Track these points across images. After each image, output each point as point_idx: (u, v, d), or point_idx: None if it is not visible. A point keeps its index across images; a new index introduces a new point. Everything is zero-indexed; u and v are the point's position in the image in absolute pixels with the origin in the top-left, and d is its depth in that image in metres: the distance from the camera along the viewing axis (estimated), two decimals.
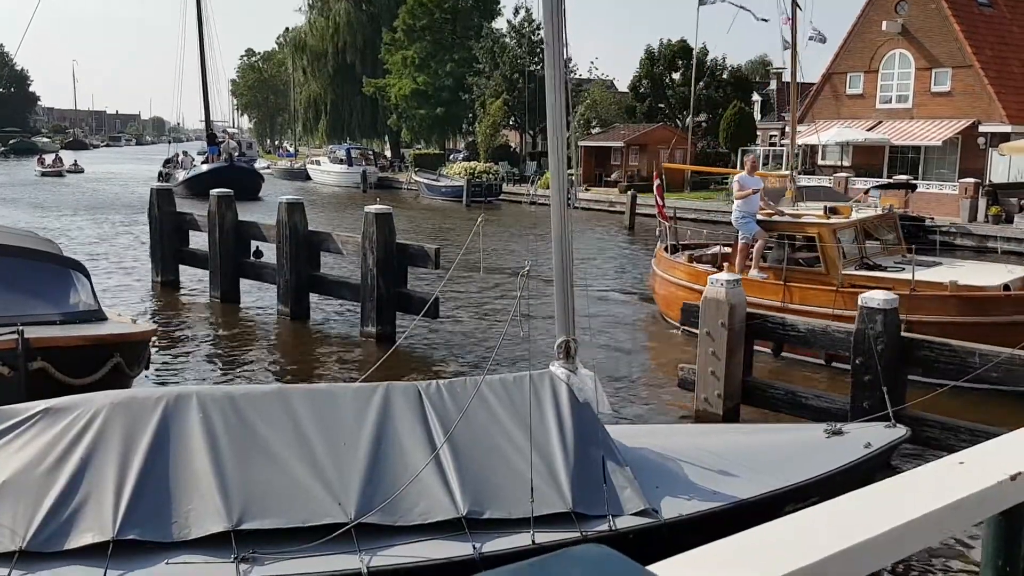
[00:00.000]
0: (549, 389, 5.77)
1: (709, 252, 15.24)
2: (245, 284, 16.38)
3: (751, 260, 13.13)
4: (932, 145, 32.87)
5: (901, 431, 6.37)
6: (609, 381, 11.54)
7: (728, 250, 14.82)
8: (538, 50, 62.53)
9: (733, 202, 13.59)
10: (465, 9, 62.77)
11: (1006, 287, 11.68)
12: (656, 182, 16.45)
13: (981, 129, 31.88)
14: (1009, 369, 8.04)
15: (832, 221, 12.78)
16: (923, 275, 11.79)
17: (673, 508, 5.20)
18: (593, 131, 52.35)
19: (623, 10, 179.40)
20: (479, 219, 7.09)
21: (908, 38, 34.31)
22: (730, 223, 14.35)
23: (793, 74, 16.45)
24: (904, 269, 12.28)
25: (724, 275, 9.80)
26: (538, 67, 65.50)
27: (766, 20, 43.18)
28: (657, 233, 16.10)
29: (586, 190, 45.96)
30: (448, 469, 5.10)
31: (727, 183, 40.91)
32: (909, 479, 1.39)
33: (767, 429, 7.15)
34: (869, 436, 6.17)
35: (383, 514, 4.73)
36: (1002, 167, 30.87)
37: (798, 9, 16.01)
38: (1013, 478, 1.33)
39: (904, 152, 34.59)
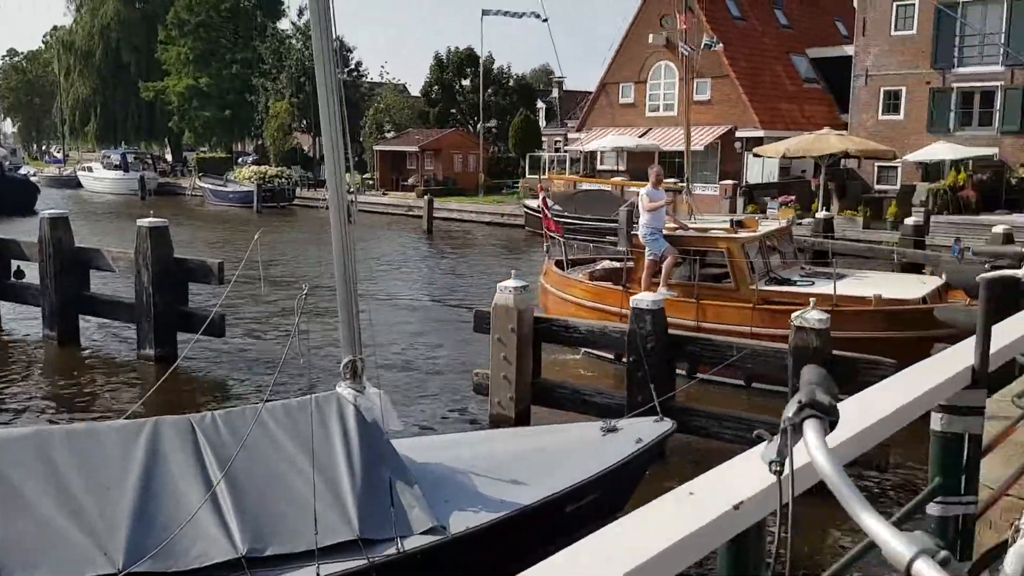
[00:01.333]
0: (335, 412, 5.70)
1: (602, 268, 14.66)
2: (6, 307, 14.89)
3: (657, 277, 12.49)
4: (695, 150, 35.70)
5: (668, 424, 6.90)
6: (411, 392, 11.60)
7: (617, 265, 14.40)
8: None
9: (641, 219, 12.69)
10: (246, 9, 60.36)
11: (924, 300, 11.40)
12: (541, 195, 15.80)
13: (738, 134, 35.05)
14: (763, 359, 8.96)
15: (741, 235, 12.40)
16: (841, 289, 11.32)
17: (461, 522, 5.31)
18: (388, 135, 52.22)
19: (412, 16, 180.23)
20: (256, 235, 6.86)
21: (672, 50, 37.04)
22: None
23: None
24: (813, 283, 12.17)
25: (511, 282, 10.04)
26: None
27: (546, 20, 44.70)
28: (545, 248, 15.27)
29: (384, 194, 45.80)
30: (226, 506, 4.90)
31: (517, 187, 42.33)
32: (645, 514, 1.41)
33: (550, 431, 7.49)
34: (640, 431, 6.64)
35: (155, 561, 4.48)
36: (756, 168, 34.15)
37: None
38: (736, 507, 1.38)
39: (672, 157, 37.34)
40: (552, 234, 14.86)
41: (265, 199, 43.32)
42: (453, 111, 54.01)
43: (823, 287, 11.57)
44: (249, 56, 57.49)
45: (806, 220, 25.24)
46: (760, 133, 33.83)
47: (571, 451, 6.37)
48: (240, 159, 59.29)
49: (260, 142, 60.54)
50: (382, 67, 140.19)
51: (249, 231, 31.73)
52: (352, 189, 6.25)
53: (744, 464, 1.57)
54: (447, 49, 53.67)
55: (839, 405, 2.05)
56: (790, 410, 1.13)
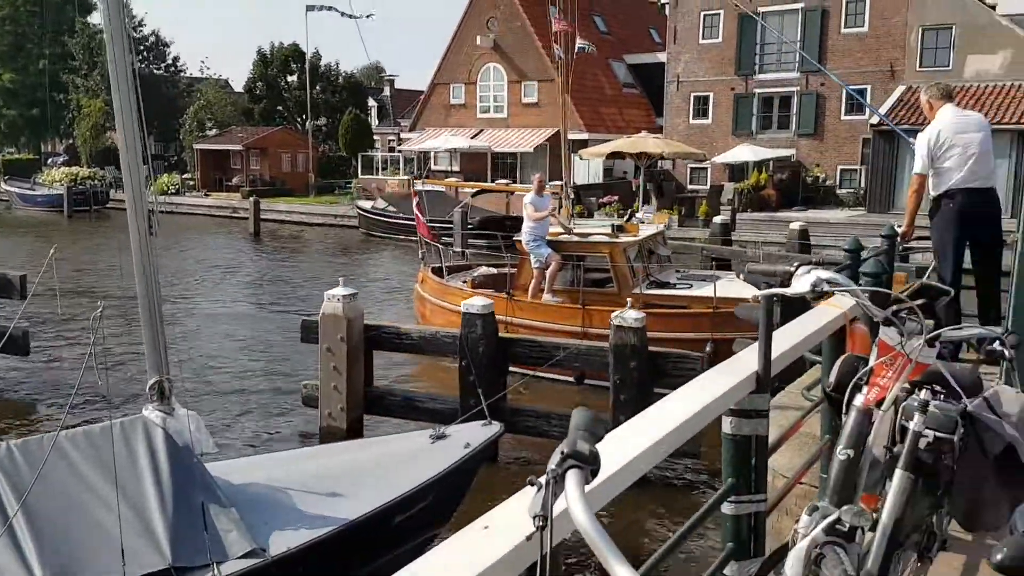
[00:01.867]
0: (142, 436, 5.40)
1: (480, 274, 14.39)
2: None
3: (544, 284, 12.38)
4: (526, 151, 36.53)
5: (496, 427, 7.01)
6: (235, 409, 11.10)
7: (495, 271, 14.23)
8: (141, 48, 57.61)
9: (524, 226, 12.61)
10: (54, 2, 55.80)
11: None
12: (415, 200, 15.29)
13: None
14: (586, 357, 9.30)
15: (622, 240, 12.42)
16: (720, 291, 11.34)
17: (282, 543, 5.17)
18: (209, 133, 49.82)
19: (231, 9, 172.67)
20: (51, 251, 6.33)
21: (500, 53, 37.68)
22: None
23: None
24: (691, 286, 12.34)
25: (339, 289, 9.82)
26: (142, 66, 60.27)
27: (356, 16, 44.09)
28: (420, 256, 14.90)
29: (205, 195, 43.67)
30: (24, 541, 4.57)
31: (349, 188, 41.59)
32: (444, 550, 1.42)
33: (378, 442, 7.42)
34: (468, 436, 6.70)
35: None
36: (582, 169, 35.35)
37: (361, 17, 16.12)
38: (529, 538, 1.39)
39: (504, 158, 37.98)
40: (427, 240, 14.61)
41: (76, 203, 40.18)
42: (280, 108, 52.34)
43: (702, 289, 11.95)
44: (59, 52, 53.24)
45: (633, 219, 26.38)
46: (585, 136, 35.04)
47: (399, 461, 6.33)
48: (49, 160, 54.73)
49: (71, 142, 56.15)
50: (202, 62, 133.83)
51: (58, 238, 29.33)
52: (153, 196, 5.87)
53: (532, 492, 1.57)
54: (271, 44, 51.93)
55: (648, 410, 2.15)
56: (553, 461, 1.16)
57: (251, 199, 35.09)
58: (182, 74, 57.07)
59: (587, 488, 1.15)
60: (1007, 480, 2.36)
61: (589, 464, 1.16)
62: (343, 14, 35.07)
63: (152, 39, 55.88)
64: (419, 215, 14.79)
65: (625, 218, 15.24)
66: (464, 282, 13.91)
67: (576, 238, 12.72)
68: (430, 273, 14.32)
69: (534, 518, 1.12)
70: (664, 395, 2.50)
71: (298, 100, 50.41)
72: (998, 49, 27.78)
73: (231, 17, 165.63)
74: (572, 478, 1.13)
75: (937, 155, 5.56)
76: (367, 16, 54.43)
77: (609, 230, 12.82)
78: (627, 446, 1.89)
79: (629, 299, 10.96)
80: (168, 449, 5.34)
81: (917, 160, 5.69)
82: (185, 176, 47.37)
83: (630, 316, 8.67)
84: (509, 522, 1.48)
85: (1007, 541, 1.49)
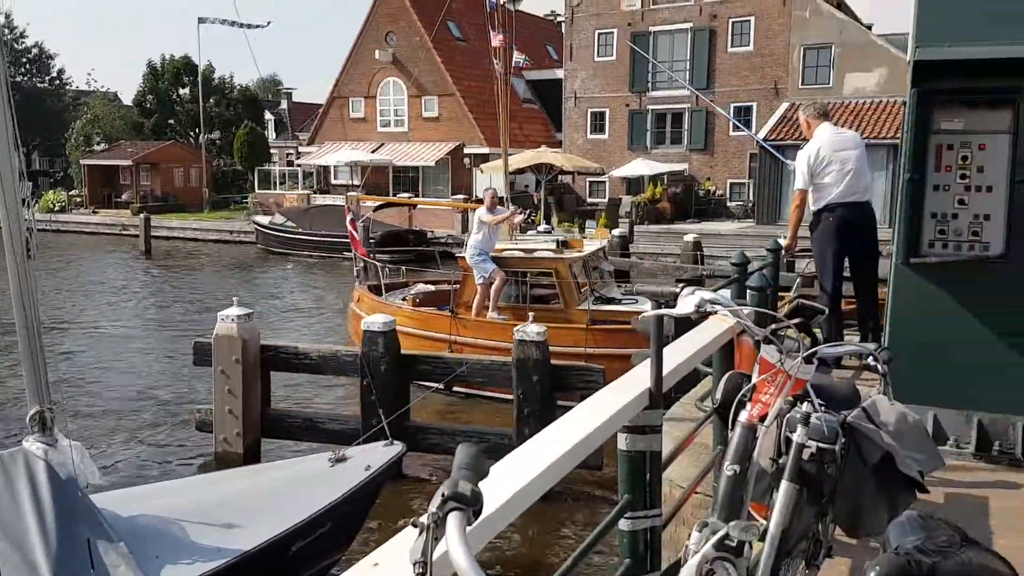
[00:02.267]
0: (23, 470, 5.09)
1: (419, 292, 13.97)
2: None
3: (488, 301, 12.09)
4: (427, 165, 36.47)
5: (398, 448, 6.90)
6: (124, 437, 10.60)
7: (433, 288, 13.81)
8: (23, 60, 54.68)
9: (469, 239, 12.36)
10: None
11: None
12: (348, 216, 14.54)
13: (466, 151, 36.28)
14: (489, 372, 9.31)
15: (568, 255, 12.23)
16: (667, 307, 11.47)
17: None
18: (97, 148, 47.70)
19: (118, 19, 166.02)
20: None
21: (399, 67, 37.54)
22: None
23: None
24: (636, 301, 12.31)
25: (233, 310, 9.54)
26: (25, 79, 57.14)
27: (258, 26, 43.12)
28: (355, 274, 14.26)
29: (93, 212, 41.78)
30: None
31: (246, 202, 40.53)
32: None
33: (274, 467, 7.20)
34: (370, 458, 6.57)
35: None
36: (484, 183, 35.52)
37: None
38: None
39: (405, 171, 37.80)
40: (362, 258, 14.04)
41: None
42: (171, 122, 50.63)
43: (647, 305, 11.89)
44: None
45: (530, 232, 26.63)
46: (486, 150, 35.25)
47: (297, 487, 6.16)
48: None
49: None
50: (89, 74, 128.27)
51: None
52: (31, 215, 5.55)
53: (415, 535, 1.59)
54: (162, 57, 50.22)
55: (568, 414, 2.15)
56: (434, 503, 1.14)
57: (141, 216, 33.73)
58: (68, 87, 54.48)
59: (470, 528, 1.14)
60: (886, 487, 2.48)
61: (470, 505, 1.14)
62: (236, 24, 34.14)
63: (35, 51, 53.18)
64: (353, 232, 14.25)
65: (530, 227, 15.16)
66: (403, 299, 13.55)
67: (520, 253, 12.38)
68: (367, 291, 13.79)
69: (414, 564, 1.10)
70: (567, 407, 2.51)
71: (190, 114, 48.90)
72: (874, 67, 29.46)
73: (120, 29, 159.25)
74: (453, 521, 1.11)
75: (816, 171, 5.83)
76: (263, 25, 53.27)
77: (554, 245, 12.53)
78: (517, 475, 1.88)
79: (585, 315, 10.99)
80: (51, 483, 5.05)
81: (798, 177, 5.95)
82: (72, 193, 45.17)
83: (532, 330, 8.73)
84: (398, 560, 1.45)
85: (881, 559, 1.55)
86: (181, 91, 50.28)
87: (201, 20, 42.17)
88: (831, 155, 5.80)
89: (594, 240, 14.19)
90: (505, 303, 12.15)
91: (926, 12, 4.31)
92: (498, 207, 12.55)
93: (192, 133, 49.86)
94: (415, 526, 1.15)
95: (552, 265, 12.09)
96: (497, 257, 12.17)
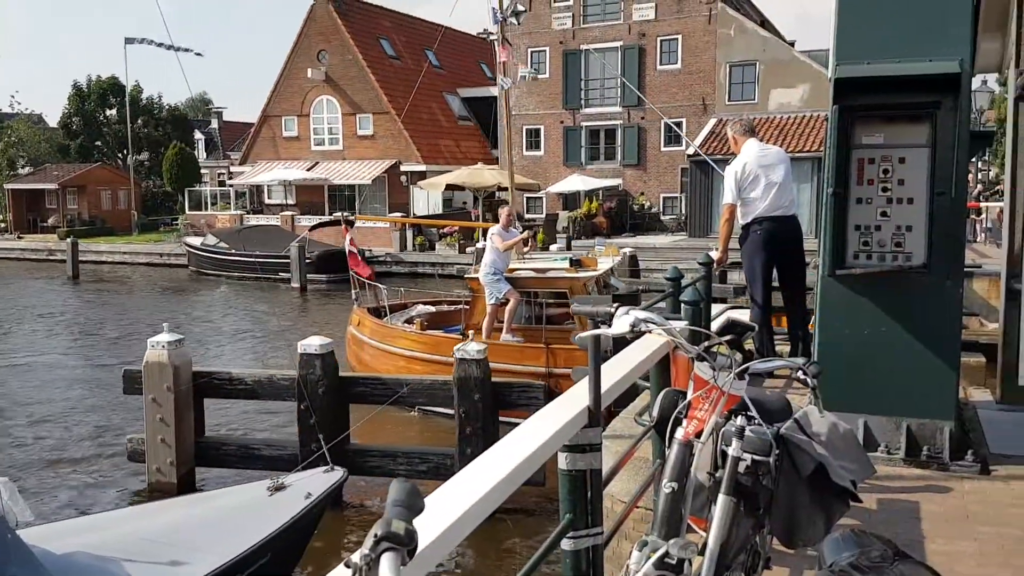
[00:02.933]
0: None
1: (420, 313, 13.48)
2: None
3: (500, 323, 11.60)
4: (363, 183, 36.20)
5: (339, 473, 6.78)
6: (53, 471, 10.19)
7: (434, 309, 13.38)
8: None
9: (484, 259, 11.86)
10: None
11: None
12: (347, 236, 13.87)
13: (403, 168, 36.14)
14: (430, 392, 9.23)
15: (582, 275, 11.81)
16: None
17: None
18: (22, 172, 46.12)
19: (44, 37, 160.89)
20: None
21: (332, 85, 37.25)
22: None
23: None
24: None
25: (163, 336, 9.28)
26: None
27: (192, 51, 42.79)
28: (354, 296, 13.66)
29: (18, 238, 40.35)
30: None
31: (177, 224, 39.61)
32: None
33: (210, 497, 7.00)
34: (310, 485, 6.44)
35: None
36: (422, 201, 35.44)
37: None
38: None
39: (341, 190, 37.44)
40: (362, 279, 13.45)
41: None
42: (99, 144, 49.30)
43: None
44: None
45: (469, 249, 26.64)
46: (423, 167, 35.15)
47: (235, 517, 6.00)
48: None
49: None
50: (12, 96, 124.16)
51: None
52: None
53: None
54: (88, 77, 48.89)
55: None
56: (367, 544, 1.12)
57: (68, 240, 32.66)
58: None
59: (405, 569, 1.11)
60: (820, 497, 2.52)
61: (405, 545, 1.12)
62: (167, 46, 33.49)
63: None
64: (353, 251, 13.65)
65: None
66: (407, 322, 13.10)
67: (533, 273, 11.89)
68: (367, 314, 13.19)
69: None
70: (512, 424, 2.50)
71: (118, 135, 47.70)
72: (798, 83, 30.39)
73: (44, 49, 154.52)
74: (386, 562, 1.08)
75: (744, 186, 5.98)
76: (200, 54, 52.49)
77: (567, 264, 12.11)
78: (455, 504, 1.86)
79: None
80: None
81: (726, 192, 6.09)
82: None
83: (472, 348, 8.70)
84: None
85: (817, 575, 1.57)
86: (108, 112, 49.09)
87: (128, 41, 41.23)
88: (757, 170, 5.95)
89: (606, 258, 13.76)
90: (517, 324, 11.78)
91: (845, 31, 4.45)
92: (512, 228, 12.15)
93: (120, 155, 48.64)
94: (348, 566, 1.12)
95: (567, 285, 11.68)
96: (509, 277, 11.72)
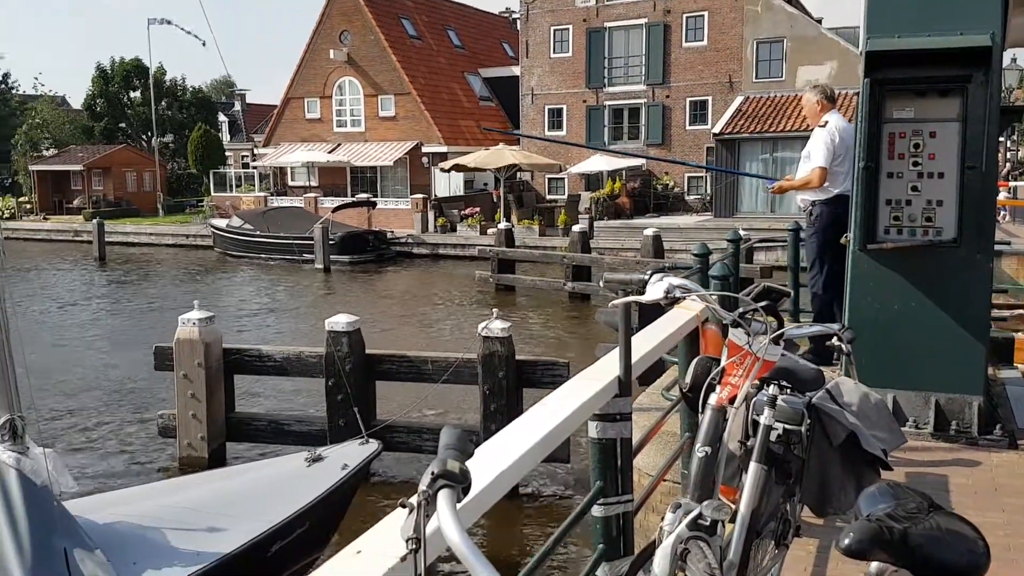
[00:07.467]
0: None
1: None
2: None
3: None
4: (385, 165, 36.27)
5: (374, 446, 6.90)
6: (89, 445, 10.42)
7: None
8: None
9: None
10: None
11: None
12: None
13: (424, 150, 36.14)
14: (456, 370, 9.31)
15: None
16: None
17: None
18: (47, 153, 46.64)
19: (70, 21, 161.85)
20: None
21: (354, 66, 37.24)
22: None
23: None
24: None
25: (194, 313, 9.43)
26: None
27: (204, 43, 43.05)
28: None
29: (44, 219, 40.89)
30: None
31: (202, 206, 39.94)
32: None
33: (249, 468, 7.14)
34: (346, 457, 6.56)
35: None
36: (443, 183, 35.45)
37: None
38: (403, 559, 1.38)
39: (363, 172, 37.55)
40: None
41: None
42: (123, 126, 49.69)
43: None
44: None
45: (491, 230, 26.65)
46: (444, 148, 35.12)
47: (276, 487, 6.12)
48: None
49: None
50: (36, 78, 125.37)
51: None
52: None
53: (404, 514, 1.65)
54: (111, 59, 49.27)
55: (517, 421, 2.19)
56: (424, 481, 1.17)
57: (94, 221, 33.06)
58: (14, 91, 53.18)
59: (459, 505, 1.18)
60: (851, 466, 2.55)
61: (460, 482, 1.19)
62: (195, 37, 33.61)
63: None
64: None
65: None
66: None
67: None
68: None
69: (407, 540, 1.13)
70: (532, 402, 2.55)
71: (142, 117, 48.05)
72: (825, 60, 29.97)
73: (68, 31, 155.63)
74: (444, 498, 1.15)
75: (835, 157, 5.55)
76: (203, 42, 52.74)
77: None
78: (497, 459, 1.92)
79: None
80: (24, 492, 4.92)
81: (821, 154, 5.55)
82: (21, 199, 44.14)
83: (496, 326, 8.77)
84: (381, 545, 1.48)
85: (853, 526, 1.61)
86: (132, 94, 49.41)
87: (151, 21, 41.49)
88: (843, 144, 5.53)
89: None
90: None
91: (876, 4, 4.42)
92: None
93: (144, 137, 49.01)
94: (403, 506, 1.18)
95: None
96: None
